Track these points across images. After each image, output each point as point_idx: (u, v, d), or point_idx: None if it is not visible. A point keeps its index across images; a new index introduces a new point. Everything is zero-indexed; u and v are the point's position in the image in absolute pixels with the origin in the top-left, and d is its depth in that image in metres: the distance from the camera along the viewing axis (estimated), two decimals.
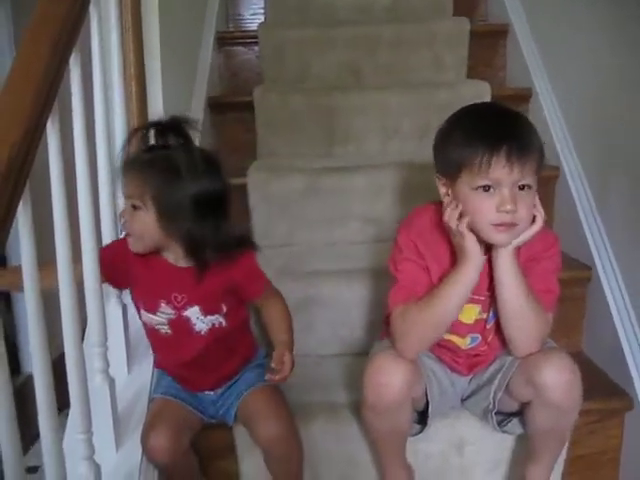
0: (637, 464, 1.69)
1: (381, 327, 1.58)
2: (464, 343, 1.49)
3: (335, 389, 1.70)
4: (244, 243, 1.49)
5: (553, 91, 2.35)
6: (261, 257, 1.55)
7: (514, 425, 1.51)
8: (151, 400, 1.54)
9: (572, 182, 2.10)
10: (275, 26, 2.78)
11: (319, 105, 2.40)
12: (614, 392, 1.74)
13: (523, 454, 1.54)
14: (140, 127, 1.48)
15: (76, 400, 1.24)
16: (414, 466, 1.56)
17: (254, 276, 1.53)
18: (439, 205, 1.41)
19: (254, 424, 1.46)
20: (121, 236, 1.59)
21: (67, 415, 1.38)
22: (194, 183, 1.37)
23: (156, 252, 1.46)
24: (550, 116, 2.31)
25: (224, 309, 1.49)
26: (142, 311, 1.50)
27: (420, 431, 1.53)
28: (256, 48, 2.73)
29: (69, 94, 1.26)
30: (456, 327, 1.44)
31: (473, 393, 1.54)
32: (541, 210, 1.35)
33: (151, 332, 1.53)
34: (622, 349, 1.74)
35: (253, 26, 2.97)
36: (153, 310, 1.47)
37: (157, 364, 1.61)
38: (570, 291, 1.92)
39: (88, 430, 1.26)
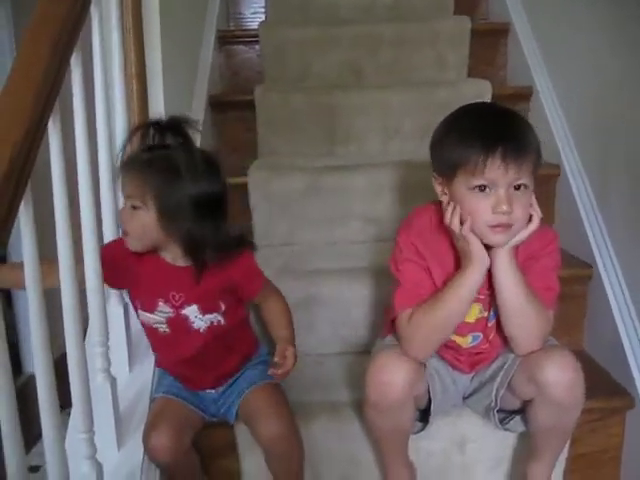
0: (638, 462, 1.70)
1: (382, 325, 1.58)
2: (466, 342, 1.49)
3: (336, 388, 1.71)
4: (242, 242, 1.50)
5: (554, 89, 2.35)
6: (262, 256, 1.55)
7: (516, 423, 1.51)
8: (152, 399, 1.54)
9: (573, 180, 2.10)
10: (276, 25, 2.78)
11: (320, 104, 2.40)
12: (615, 391, 1.74)
13: (525, 452, 1.55)
14: (140, 126, 1.47)
15: (78, 399, 1.24)
16: (416, 464, 1.57)
17: (252, 275, 1.53)
18: (439, 205, 1.41)
19: (255, 423, 1.46)
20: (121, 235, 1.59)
21: (69, 414, 1.38)
22: (194, 183, 1.37)
23: (153, 251, 1.46)
24: (551, 114, 2.31)
25: (222, 307, 1.49)
26: (140, 311, 1.51)
27: (422, 429, 1.53)
28: (257, 47, 2.73)
29: (70, 94, 1.26)
30: (458, 326, 1.44)
31: (475, 391, 1.54)
32: (537, 209, 1.35)
33: (150, 331, 1.53)
34: (623, 347, 1.74)
35: (254, 25, 2.96)
36: (151, 309, 1.47)
37: (158, 363, 1.61)
38: (571, 289, 1.92)
39: (90, 429, 1.27)
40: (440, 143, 1.39)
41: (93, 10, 1.40)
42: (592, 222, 1.97)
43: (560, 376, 1.33)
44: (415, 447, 1.56)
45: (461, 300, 1.37)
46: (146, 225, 1.38)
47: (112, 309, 1.57)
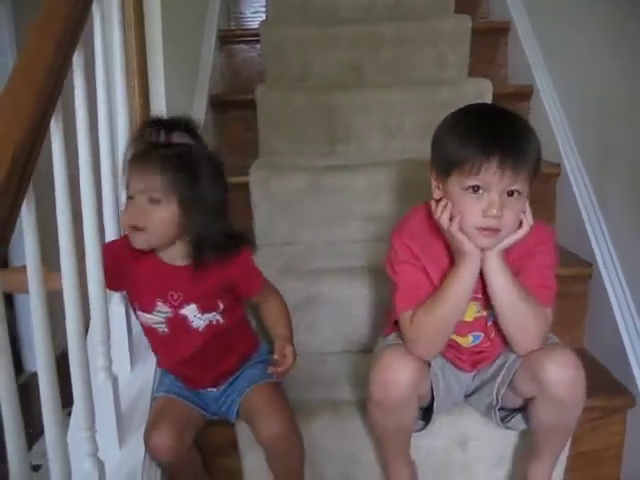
0: (639, 461, 1.70)
1: (383, 324, 1.59)
2: (466, 341, 1.49)
3: (338, 386, 1.71)
4: (242, 241, 1.50)
5: (554, 88, 2.35)
6: (263, 256, 1.56)
7: (517, 421, 1.51)
8: (154, 399, 1.55)
9: (573, 179, 2.10)
10: (277, 24, 2.78)
11: (321, 104, 2.40)
12: (616, 389, 1.74)
13: (526, 450, 1.55)
14: (150, 123, 1.48)
15: (80, 397, 1.24)
16: (417, 462, 1.57)
17: (251, 273, 1.54)
18: (429, 207, 1.42)
19: (255, 421, 1.46)
20: (122, 235, 1.59)
21: (69, 414, 1.38)
22: (210, 179, 1.40)
23: (151, 251, 1.46)
24: (551, 113, 2.31)
25: (221, 307, 1.49)
26: (138, 312, 1.51)
27: (424, 427, 1.53)
28: (258, 46, 2.74)
29: (72, 92, 1.26)
30: (457, 326, 1.44)
31: (477, 389, 1.54)
32: (529, 217, 1.35)
33: (149, 332, 1.53)
34: (624, 346, 1.74)
35: (254, 24, 2.96)
36: (149, 309, 1.48)
37: (158, 364, 1.61)
38: (572, 288, 1.93)
39: (92, 427, 1.27)
40: (440, 141, 1.40)
41: (95, 9, 1.40)
42: (592, 220, 1.97)
43: (561, 374, 1.33)
44: (416, 445, 1.56)
45: (458, 296, 1.38)
46: (165, 219, 1.38)
47: (114, 308, 1.57)
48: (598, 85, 1.99)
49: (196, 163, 1.40)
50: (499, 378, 1.45)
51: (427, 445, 1.60)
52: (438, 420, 1.52)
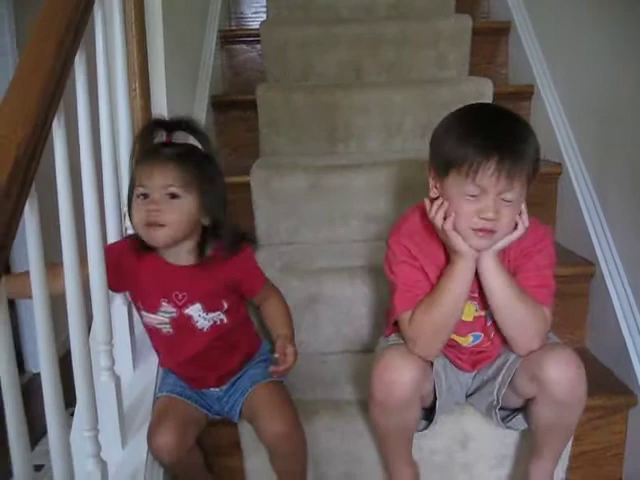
0: None
1: (384, 324, 1.59)
2: (466, 341, 1.50)
3: (340, 386, 1.71)
4: (246, 239, 1.52)
5: (555, 88, 2.35)
6: (264, 255, 1.56)
7: (518, 421, 1.51)
8: (156, 399, 1.55)
9: (574, 178, 2.10)
10: (277, 24, 2.78)
11: (322, 103, 2.40)
12: (618, 388, 1.74)
13: (527, 450, 1.55)
14: (157, 122, 1.50)
15: (82, 397, 1.25)
16: (419, 462, 1.56)
17: (254, 272, 1.56)
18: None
19: (259, 421, 1.46)
20: (125, 235, 1.60)
21: (71, 414, 1.39)
22: (220, 176, 1.47)
23: (154, 252, 1.47)
24: (552, 113, 2.31)
25: (225, 306, 1.50)
26: (142, 312, 1.51)
27: (426, 427, 1.53)
28: (258, 46, 2.74)
29: (73, 92, 1.26)
30: (457, 326, 1.44)
31: (477, 389, 1.54)
32: (525, 219, 1.35)
33: (153, 333, 1.53)
34: (626, 345, 1.74)
35: (255, 24, 2.96)
36: (154, 310, 1.48)
37: (161, 364, 1.61)
38: (573, 287, 1.93)
39: (94, 427, 1.27)
40: (438, 141, 1.40)
41: (96, 9, 1.40)
42: (594, 220, 1.97)
43: (562, 374, 1.33)
44: (418, 445, 1.56)
45: (455, 295, 1.38)
46: (185, 213, 1.41)
47: (116, 308, 1.58)
48: (599, 84, 1.99)
49: (208, 158, 1.46)
50: (499, 378, 1.45)
51: (429, 445, 1.60)
52: (440, 420, 1.52)
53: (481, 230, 1.32)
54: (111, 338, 1.42)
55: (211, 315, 1.48)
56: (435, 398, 1.46)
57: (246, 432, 1.57)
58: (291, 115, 2.40)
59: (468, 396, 1.58)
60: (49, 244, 1.06)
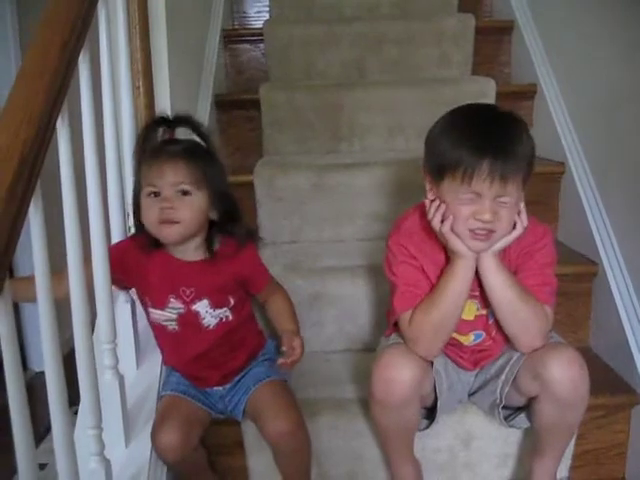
0: None
1: (386, 323, 1.59)
2: (468, 340, 1.50)
3: (343, 385, 1.71)
4: (251, 236, 1.54)
5: (558, 87, 2.35)
6: (268, 254, 1.57)
7: (521, 419, 1.51)
8: (160, 398, 1.55)
9: (577, 177, 2.10)
10: (281, 23, 2.78)
11: (325, 102, 2.41)
12: (621, 387, 1.74)
13: (531, 448, 1.55)
14: (159, 120, 1.51)
15: (86, 396, 1.25)
16: (422, 460, 1.57)
17: (259, 268, 1.57)
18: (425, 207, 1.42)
19: (262, 420, 1.46)
20: (129, 234, 1.60)
21: (76, 412, 1.39)
22: (225, 171, 1.49)
23: (162, 248, 1.48)
24: (555, 112, 2.31)
25: (231, 302, 1.50)
26: (150, 309, 1.51)
27: (427, 426, 1.53)
28: (262, 45, 2.74)
29: (77, 91, 1.26)
30: (458, 325, 1.44)
31: (480, 388, 1.54)
32: (524, 218, 1.35)
33: (159, 330, 1.54)
34: (629, 344, 1.74)
35: (258, 24, 2.97)
36: (162, 306, 1.48)
37: (165, 362, 1.61)
38: (576, 286, 1.93)
39: (98, 426, 1.27)
40: (431, 145, 1.40)
41: (100, 9, 1.41)
42: (597, 219, 1.97)
43: (565, 373, 1.33)
44: (421, 444, 1.57)
45: (455, 294, 1.38)
46: (197, 209, 1.43)
47: (120, 306, 1.58)
48: (602, 83, 1.99)
49: (214, 154, 1.47)
50: (502, 376, 1.45)
51: (432, 444, 1.60)
52: (442, 419, 1.52)
53: (480, 231, 1.32)
54: (115, 337, 1.42)
55: (218, 312, 1.49)
56: (436, 397, 1.46)
57: (249, 431, 1.57)
58: (294, 114, 2.41)
59: (471, 395, 1.58)
60: (53, 244, 1.06)
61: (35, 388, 1.35)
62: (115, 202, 1.55)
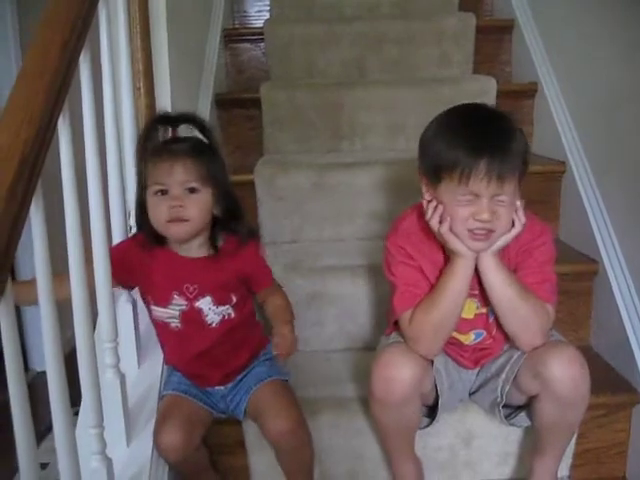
0: None
1: (386, 322, 1.59)
2: (468, 339, 1.50)
3: (343, 384, 1.71)
4: (252, 234, 1.55)
5: (559, 86, 2.35)
6: (268, 253, 1.57)
7: (522, 418, 1.52)
8: (161, 397, 1.55)
9: (578, 176, 2.10)
10: (281, 23, 2.79)
11: (326, 101, 2.41)
12: (621, 386, 1.74)
13: (531, 447, 1.55)
14: (161, 118, 1.51)
15: (88, 395, 1.25)
16: (423, 459, 1.57)
17: (262, 266, 1.57)
18: (423, 207, 1.42)
19: (263, 419, 1.47)
20: (130, 234, 1.60)
21: (76, 412, 1.39)
22: (226, 168, 1.50)
23: (165, 245, 1.48)
24: (556, 111, 2.30)
25: (234, 300, 1.50)
26: (152, 307, 1.51)
27: (428, 425, 1.53)
28: (262, 45, 2.74)
29: (78, 90, 1.26)
30: (458, 324, 1.45)
31: (481, 386, 1.54)
32: (521, 216, 1.35)
33: (161, 328, 1.54)
34: (629, 343, 1.74)
35: (258, 23, 2.97)
36: (165, 303, 1.48)
37: (167, 361, 1.62)
38: (577, 285, 1.93)
39: (100, 425, 1.27)
40: (426, 147, 1.40)
41: (101, 8, 1.41)
42: (597, 218, 1.97)
43: (565, 372, 1.33)
44: (422, 442, 1.57)
45: (455, 293, 1.39)
46: (204, 207, 1.44)
47: (121, 305, 1.58)
48: (603, 82, 1.99)
49: (217, 151, 1.48)
50: (503, 375, 1.46)
51: (433, 442, 1.61)
52: (443, 417, 1.53)
53: (478, 232, 1.32)
54: (116, 335, 1.42)
55: (220, 309, 1.49)
56: (437, 396, 1.47)
57: (251, 430, 1.57)
58: (295, 113, 2.41)
59: (471, 394, 1.58)
60: (54, 244, 1.06)
61: (36, 388, 1.36)
62: (116, 202, 1.55)
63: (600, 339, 1.93)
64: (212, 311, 1.49)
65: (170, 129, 1.48)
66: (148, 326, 1.59)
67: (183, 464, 1.46)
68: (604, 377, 1.76)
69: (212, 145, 1.49)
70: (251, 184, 2.09)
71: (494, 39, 2.76)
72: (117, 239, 1.57)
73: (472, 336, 1.50)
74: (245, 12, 3.17)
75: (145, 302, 1.55)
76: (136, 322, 1.61)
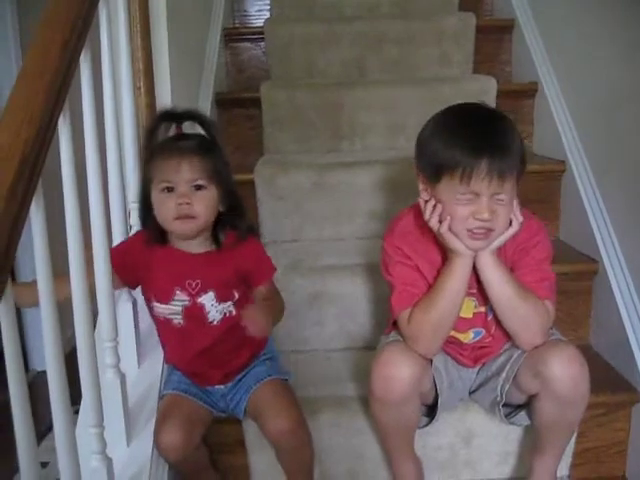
0: None
1: (386, 322, 1.59)
2: (467, 338, 1.50)
3: (343, 383, 1.71)
4: (251, 230, 1.55)
5: (559, 85, 2.35)
6: (268, 252, 1.57)
7: (522, 417, 1.52)
8: (162, 397, 1.55)
9: (578, 176, 2.10)
10: (281, 22, 2.79)
11: (326, 101, 2.41)
12: (621, 385, 1.74)
13: (531, 446, 1.55)
14: (166, 115, 1.51)
15: (88, 395, 1.25)
16: (423, 458, 1.57)
17: (263, 259, 1.56)
18: (420, 206, 1.42)
19: (263, 418, 1.47)
20: (131, 233, 1.60)
21: (76, 412, 1.39)
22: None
23: (166, 242, 1.49)
24: (556, 110, 2.30)
25: (236, 296, 1.50)
26: (154, 303, 1.51)
27: (427, 424, 1.54)
28: (262, 44, 2.74)
29: (78, 90, 1.26)
30: (457, 323, 1.45)
31: (481, 385, 1.55)
32: (518, 214, 1.36)
33: (163, 325, 1.53)
34: (629, 342, 1.74)
35: (259, 22, 2.97)
36: (167, 300, 1.48)
37: (167, 360, 1.61)
38: (576, 285, 1.93)
39: (100, 424, 1.28)
40: (425, 146, 1.41)
41: (101, 8, 1.41)
42: (597, 217, 1.97)
43: (565, 371, 1.33)
44: (422, 441, 1.57)
45: (453, 292, 1.39)
46: (211, 203, 1.44)
47: (121, 304, 1.58)
48: (603, 82, 1.99)
49: (221, 148, 1.48)
50: (503, 374, 1.46)
51: (433, 442, 1.61)
52: (443, 417, 1.53)
53: (478, 231, 1.32)
54: (116, 335, 1.43)
55: (222, 306, 1.49)
56: (437, 395, 1.47)
57: (251, 430, 1.57)
58: (295, 113, 2.41)
59: (471, 393, 1.58)
60: (54, 243, 1.06)
61: (37, 387, 1.36)
62: (116, 201, 1.55)
63: (600, 338, 1.93)
64: (214, 307, 1.48)
65: (175, 125, 1.48)
66: (148, 325, 1.59)
67: (183, 463, 1.46)
68: (604, 376, 1.76)
69: (216, 141, 1.49)
70: (251, 184, 2.09)
71: (494, 39, 2.76)
72: (117, 237, 1.57)
73: (471, 335, 1.50)
74: (245, 11, 3.17)
75: (146, 299, 1.54)
76: (136, 321, 1.61)
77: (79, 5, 1.21)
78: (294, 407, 1.48)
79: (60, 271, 1.15)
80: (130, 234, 1.61)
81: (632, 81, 1.81)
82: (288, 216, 2.12)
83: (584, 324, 1.97)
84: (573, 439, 1.59)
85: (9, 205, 0.90)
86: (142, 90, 1.71)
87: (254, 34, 2.79)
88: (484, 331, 1.49)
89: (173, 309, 1.49)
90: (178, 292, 1.47)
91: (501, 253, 1.41)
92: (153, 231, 1.47)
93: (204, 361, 1.52)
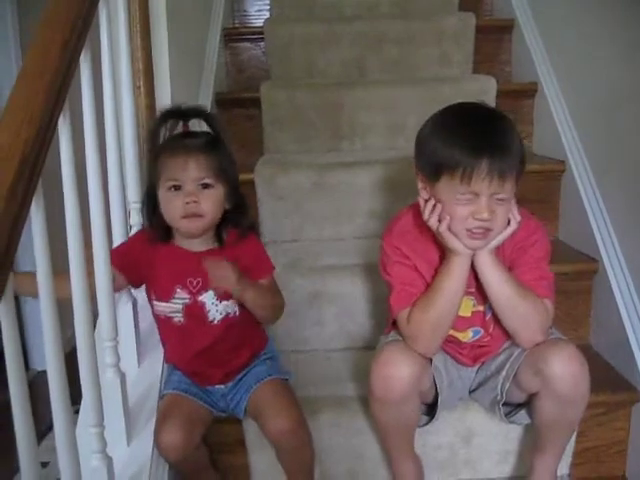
0: None
1: (386, 322, 1.59)
2: (466, 337, 1.50)
3: (343, 383, 1.71)
4: (252, 228, 1.56)
5: (559, 85, 2.35)
6: (268, 252, 1.57)
7: (522, 416, 1.52)
8: (162, 396, 1.55)
9: (578, 176, 2.10)
10: (281, 22, 2.79)
11: (326, 101, 2.41)
12: (621, 385, 1.74)
13: (531, 445, 1.55)
14: (171, 113, 1.51)
15: (88, 394, 1.25)
16: (423, 457, 1.57)
17: (262, 259, 1.56)
18: (419, 206, 1.42)
19: (264, 418, 1.47)
20: (131, 233, 1.60)
21: (76, 411, 1.39)
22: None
23: (168, 240, 1.49)
24: (556, 110, 2.31)
25: None
26: (155, 301, 1.51)
27: (427, 423, 1.54)
28: (262, 44, 2.74)
29: (78, 90, 1.26)
30: (455, 322, 1.45)
31: (481, 384, 1.55)
32: (516, 214, 1.36)
33: (164, 323, 1.53)
34: (629, 342, 1.74)
35: (258, 22, 2.97)
36: (167, 298, 1.48)
37: (167, 359, 1.61)
38: (576, 284, 1.93)
39: (100, 424, 1.28)
40: (424, 145, 1.41)
41: (101, 8, 1.41)
42: (597, 217, 1.97)
43: (565, 369, 1.34)
44: (421, 441, 1.58)
45: (452, 292, 1.39)
46: (217, 202, 1.44)
47: (121, 305, 1.58)
48: (603, 83, 1.99)
49: (227, 146, 1.49)
50: (503, 373, 1.46)
51: (433, 441, 1.61)
52: (443, 416, 1.53)
53: (477, 230, 1.33)
54: (116, 334, 1.43)
55: (223, 304, 1.49)
56: (437, 394, 1.47)
57: (251, 429, 1.58)
58: (295, 113, 2.41)
59: (471, 392, 1.59)
60: (54, 243, 1.06)
61: (37, 387, 1.36)
62: (116, 201, 1.55)
63: (600, 338, 1.93)
64: (215, 306, 1.48)
65: (181, 123, 1.48)
66: (148, 325, 1.59)
67: (183, 463, 1.46)
68: (604, 376, 1.76)
69: (222, 139, 1.49)
70: (251, 183, 2.09)
71: (494, 39, 2.76)
72: (117, 237, 1.57)
73: (470, 334, 1.50)
74: (245, 11, 3.17)
75: (148, 298, 1.54)
76: (136, 321, 1.61)
77: (79, 5, 1.21)
78: (294, 407, 1.48)
79: (60, 270, 1.15)
80: (130, 234, 1.61)
81: (632, 81, 1.81)
82: (288, 216, 2.12)
83: (584, 324, 1.97)
84: (573, 438, 1.59)
85: (9, 205, 0.90)
86: (142, 90, 1.71)
87: (254, 34, 2.79)
88: (482, 330, 1.49)
89: (174, 307, 1.49)
90: (179, 290, 1.47)
91: (499, 252, 1.42)
92: (158, 229, 1.48)
93: (204, 360, 1.52)
